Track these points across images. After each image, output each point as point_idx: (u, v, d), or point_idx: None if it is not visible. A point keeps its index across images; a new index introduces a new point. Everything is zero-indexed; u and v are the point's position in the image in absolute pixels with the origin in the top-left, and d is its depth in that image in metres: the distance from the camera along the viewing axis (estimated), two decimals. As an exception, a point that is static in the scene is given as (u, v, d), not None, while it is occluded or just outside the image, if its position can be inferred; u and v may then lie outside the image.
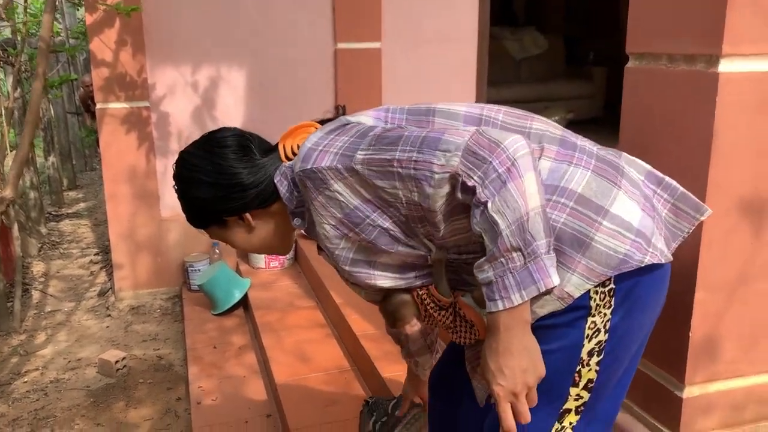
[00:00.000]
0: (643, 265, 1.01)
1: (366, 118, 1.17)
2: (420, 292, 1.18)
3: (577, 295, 1.02)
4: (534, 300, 1.00)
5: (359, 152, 1.05)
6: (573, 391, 1.08)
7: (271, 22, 3.59)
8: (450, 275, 1.16)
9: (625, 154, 1.13)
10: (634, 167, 1.12)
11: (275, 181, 1.18)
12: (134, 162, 3.49)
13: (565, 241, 1.02)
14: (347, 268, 1.15)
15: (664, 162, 1.30)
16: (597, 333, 1.05)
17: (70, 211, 5.96)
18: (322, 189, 1.09)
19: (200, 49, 3.51)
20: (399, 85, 3.87)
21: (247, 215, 1.21)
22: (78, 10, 6.67)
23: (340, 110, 3.74)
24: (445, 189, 0.99)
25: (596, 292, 1.03)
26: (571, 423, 1.10)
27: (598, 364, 1.06)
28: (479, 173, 0.95)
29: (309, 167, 1.08)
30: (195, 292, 3.54)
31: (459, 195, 0.99)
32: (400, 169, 1.01)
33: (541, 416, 1.06)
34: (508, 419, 0.99)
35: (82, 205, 6.21)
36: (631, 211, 1.03)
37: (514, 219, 0.94)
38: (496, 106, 1.16)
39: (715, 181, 1.21)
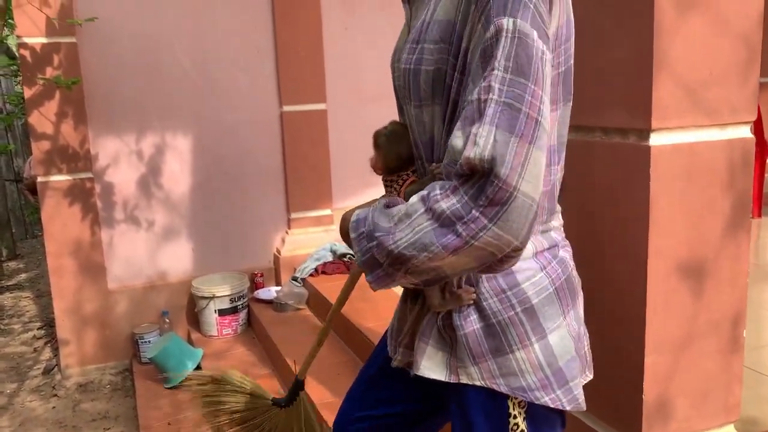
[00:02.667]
0: (537, 402, 1.00)
1: None
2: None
3: (463, 381, 1.02)
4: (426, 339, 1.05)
5: (510, 21, 0.87)
6: None
7: (215, 87, 3.60)
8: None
9: None
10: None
11: None
12: (78, 234, 3.41)
13: (489, 335, 1.00)
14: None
15: (606, 230, 1.35)
16: None
17: (10, 283, 5.74)
18: None
19: (143, 116, 3.49)
20: (346, 143, 3.92)
21: None
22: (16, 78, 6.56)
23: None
24: (457, 150, 0.88)
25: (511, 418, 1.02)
26: None
27: None
28: (459, 199, 0.86)
29: None
30: (146, 364, 3.43)
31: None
32: (480, 75, 0.89)
33: None
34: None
35: (23, 275, 5.99)
36: (564, 348, 1.01)
37: (401, 253, 0.91)
38: None
39: (655, 248, 1.26)
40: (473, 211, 0.85)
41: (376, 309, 3.04)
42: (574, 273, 1.07)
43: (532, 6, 0.87)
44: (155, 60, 3.47)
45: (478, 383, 1.01)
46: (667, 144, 1.24)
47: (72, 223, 3.40)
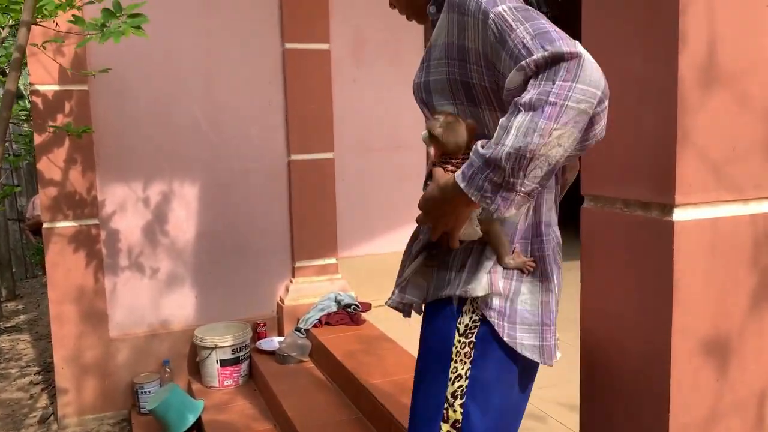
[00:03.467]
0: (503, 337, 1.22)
1: None
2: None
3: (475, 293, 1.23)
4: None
5: (503, 6, 1.12)
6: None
7: (224, 137, 3.62)
8: None
9: None
10: None
11: None
12: (82, 281, 3.38)
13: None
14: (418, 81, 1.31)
15: (630, 305, 1.33)
16: (459, 378, 1.23)
17: (8, 324, 5.68)
18: (455, 8, 1.19)
19: (152, 164, 3.50)
20: (352, 192, 3.92)
21: None
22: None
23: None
24: (519, 78, 1.07)
25: (458, 341, 1.24)
26: None
27: (461, 406, 1.23)
28: (540, 86, 1.03)
29: None
30: (145, 415, 3.36)
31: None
32: (510, 43, 1.08)
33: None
34: (435, 235, 1.23)
35: (22, 317, 5.94)
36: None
37: (518, 147, 1.02)
38: None
39: (680, 325, 1.23)
40: (556, 83, 1.02)
41: (383, 365, 2.99)
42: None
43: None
44: (167, 110, 3.50)
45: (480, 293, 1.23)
46: (691, 219, 1.23)
47: (76, 269, 3.37)
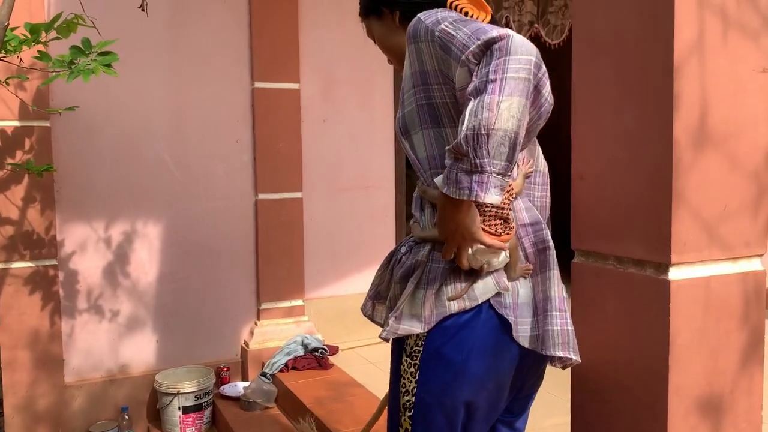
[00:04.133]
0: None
1: None
2: None
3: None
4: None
5: (445, 22, 1.22)
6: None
7: (190, 175, 3.55)
8: None
9: None
10: None
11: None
12: (37, 324, 3.23)
13: None
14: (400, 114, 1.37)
15: (623, 361, 1.32)
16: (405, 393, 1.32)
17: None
18: (410, 40, 1.29)
19: (115, 203, 3.40)
20: (321, 232, 3.88)
21: (397, 13, 1.45)
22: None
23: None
24: (465, 73, 1.17)
25: (405, 361, 1.32)
26: None
27: (410, 419, 1.32)
28: (480, 71, 1.13)
29: (421, 16, 1.28)
30: (101, 467, 3.20)
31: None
32: (453, 48, 1.18)
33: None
34: (445, 253, 1.26)
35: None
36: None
37: (471, 126, 1.09)
38: None
39: (676, 384, 1.23)
40: (492, 62, 1.12)
41: (353, 412, 2.92)
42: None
43: (447, 17, 1.24)
44: (132, 148, 3.41)
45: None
46: (686, 278, 1.23)
47: (31, 312, 3.22)
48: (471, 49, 1.14)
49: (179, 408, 3.31)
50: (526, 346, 1.28)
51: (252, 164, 3.70)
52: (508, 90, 1.08)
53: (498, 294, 1.27)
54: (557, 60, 2.74)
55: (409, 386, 1.30)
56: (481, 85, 1.11)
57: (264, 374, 3.49)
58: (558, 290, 1.30)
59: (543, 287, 1.30)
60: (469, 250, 1.23)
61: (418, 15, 1.28)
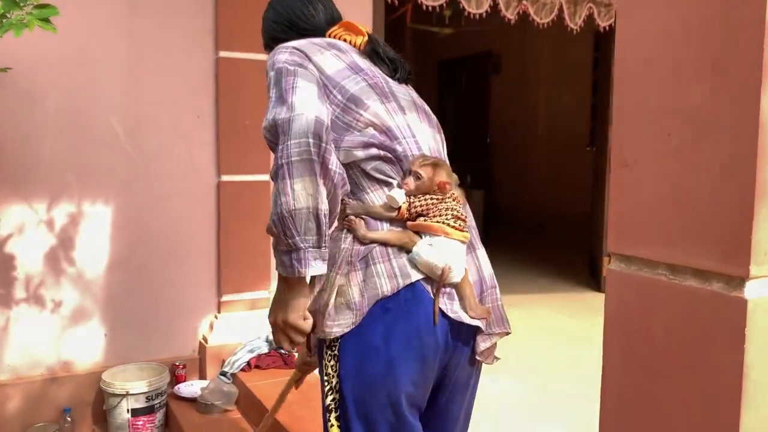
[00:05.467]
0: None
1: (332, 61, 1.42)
2: None
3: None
4: None
5: (270, 72, 1.40)
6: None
7: (147, 153, 3.20)
8: None
9: None
10: None
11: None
12: (-34, 316, 2.87)
13: None
14: None
15: (673, 401, 1.06)
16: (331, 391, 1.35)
17: None
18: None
19: (60, 181, 3.03)
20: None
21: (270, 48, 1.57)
22: None
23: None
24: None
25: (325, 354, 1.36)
26: None
27: (336, 419, 1.34)
28: (275, 153, 1.25)
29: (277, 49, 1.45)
30: (38, 476, 2.87)
31: None
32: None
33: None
34: (279, 342, 1.36)
35: None
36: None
37: (276, 212, 1.21)
38: (414, 127, 1.45)
39: (748, 428, 0.97)
40: (278, 146, 1.24)
41: (319, 417, 2.63)
42: None
43: (275, 63, 1.39)
44: (80, 120, 3.05)
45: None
46: (764, 296, 0.97)
47: (-41, 302, 2.86)
48: (264, 125, 1.28)
49: (128, 410, 2.98)
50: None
51: (214, 142, 3.36)
52: (298, 173, 1.19)
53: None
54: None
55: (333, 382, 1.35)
56: (275, 171, 1.23)
57: (224, 373, 3.18)
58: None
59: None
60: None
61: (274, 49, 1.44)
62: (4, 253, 2.96)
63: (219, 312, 3.43)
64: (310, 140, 1.20)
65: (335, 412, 1.33)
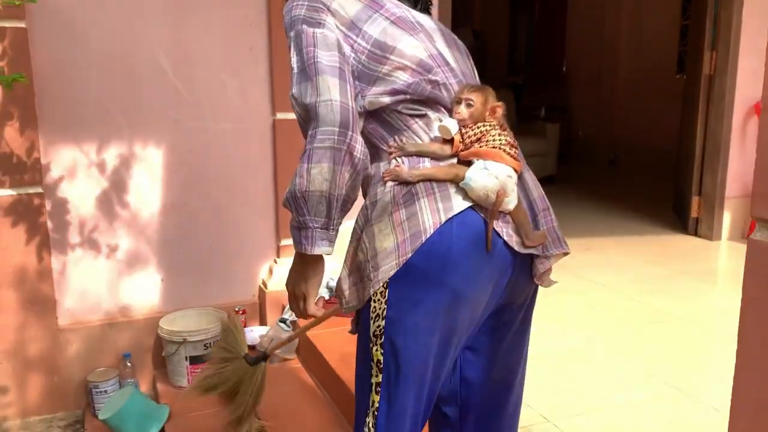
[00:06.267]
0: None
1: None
2: None
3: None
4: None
5: (291, 32, 1.35)
6: (373, 367, 1.30)
7: (197, 91, 3.01)
8: None
9: None
10: None
11: None
12: (23, 261, 2.81)
13: None
14: None
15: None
16: (377, 318, 1.28)
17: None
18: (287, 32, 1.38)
19: (109, 122, 2.89)
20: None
21: None
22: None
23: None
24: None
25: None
26: (374, 402, 1.31)
27: (381, 346, 1.28)
28: (306, 137, 1.27)
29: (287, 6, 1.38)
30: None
31: None
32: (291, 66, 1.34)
33: (364, 387, 1.34)
34: (293, 309, 1.42)
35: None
36: None
37: (290, 191, 1.25)
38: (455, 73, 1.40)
39: None
40: (309, 131, 1.26)
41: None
42: None
43: (294, 20, 1.35)
44: (127, 56, 2.87)
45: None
46: None
47: (15, 247, 2.80)
48: (292, 96, 1.28)
49: (186, 358, 2.91)
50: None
51: (268, 78, 3.14)
52: (316, 158, 1.22)
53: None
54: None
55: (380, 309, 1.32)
56: (303, 151, 1.24)
57: (284, 320, 3.05)
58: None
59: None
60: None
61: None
62: (57, 197, 2.87)
63: (278, 256, 3.29)
64: (337, 129, 1.22)
65: (376, 394, 1.31)
